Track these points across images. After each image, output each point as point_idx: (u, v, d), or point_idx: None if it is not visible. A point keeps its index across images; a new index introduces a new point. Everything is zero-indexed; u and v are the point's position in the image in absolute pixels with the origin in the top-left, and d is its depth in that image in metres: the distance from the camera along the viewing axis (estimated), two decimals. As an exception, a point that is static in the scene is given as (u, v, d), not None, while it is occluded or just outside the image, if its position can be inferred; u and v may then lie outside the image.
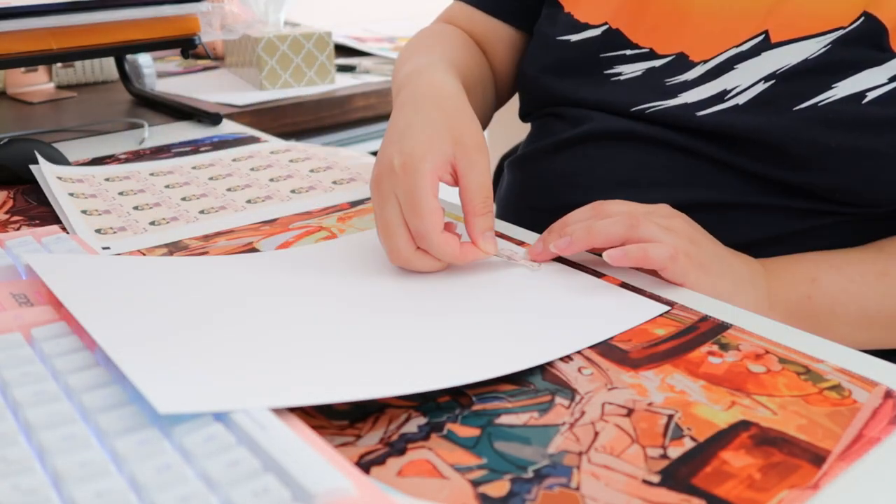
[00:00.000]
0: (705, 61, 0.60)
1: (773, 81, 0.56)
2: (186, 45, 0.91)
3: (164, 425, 0.32)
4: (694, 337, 0.44)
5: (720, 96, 0.59)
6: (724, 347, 0.43)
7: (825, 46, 0.55)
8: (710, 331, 0.45)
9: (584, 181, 0.64)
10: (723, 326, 0.45)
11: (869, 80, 0.53)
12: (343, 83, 1.20)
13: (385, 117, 1.26)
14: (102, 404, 0.33)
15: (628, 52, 0.64)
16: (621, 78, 0.64)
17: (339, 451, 0.35)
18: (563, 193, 0.65)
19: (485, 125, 0.76)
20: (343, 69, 1.28)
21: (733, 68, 0.59)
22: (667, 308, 0.47)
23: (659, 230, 0.50)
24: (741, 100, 0.57)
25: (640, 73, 0.63)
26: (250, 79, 1.20)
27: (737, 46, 0.59)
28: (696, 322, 0.46)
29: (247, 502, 0.28)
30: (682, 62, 0.62)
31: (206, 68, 1.34)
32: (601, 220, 0.51)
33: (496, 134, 1.03)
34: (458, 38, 0.75)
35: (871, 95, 0.53)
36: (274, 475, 0.29)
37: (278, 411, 0.34)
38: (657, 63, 0.63)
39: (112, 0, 0.84)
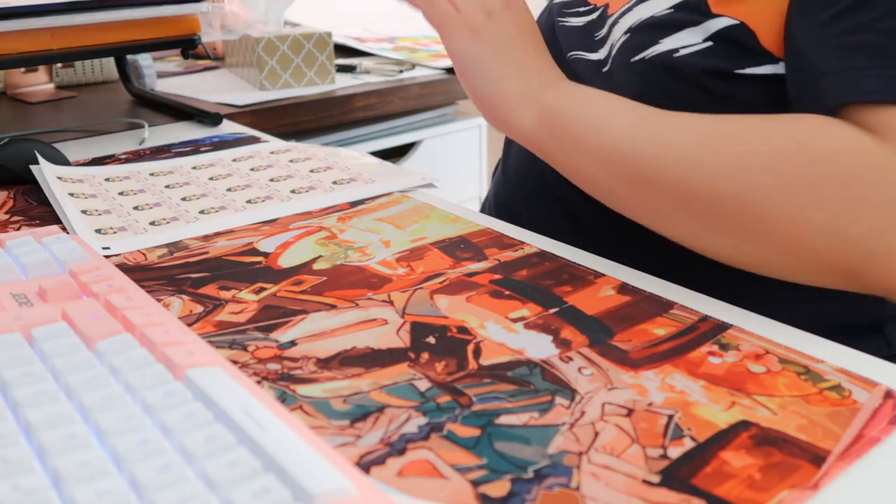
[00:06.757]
0: (613, 15, 0.64)
1: (628, 35, 0.61)
2: (187, 46, 0.91)
3: (164, 425, 0.32)
4: (694, 337, 0.44)
5: (610, 49, 0.63)
6: (724, 347, 0.43)
7: (670, 8, 0.59)
8: (710, 331, 0.45)
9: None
10: (723, 326, 0.45)
11: (687, 39, 0.57)
12: (343, 83, 1.20)
13: (385, 117, 1.26)
14: (102, 404, 0.33)
15: (582, 8, 0.69)
16: (566, 24, 0.69)
17: (339, 451, 0.35)
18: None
19: None
20: (343, 69, 1.28)
21: (618, 22, 0.63)
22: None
23: None
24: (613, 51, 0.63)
25: (581, 24, 0.68)
26: (250, 79, 1.20)
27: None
28: (696, 322, 0.46)
29: (247, 502, 0.28)
30: (603, 16, 0.66)
31: (206, 68, 1.34)
32: None
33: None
34: None
35: (683, 52, 0.57)
36: (274, 475, 0.29)
37: (278, 411, 0.33)
38: (593, 16, 0.67)
39: (112, 0, 0.85)
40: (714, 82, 0.56)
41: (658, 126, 0.50)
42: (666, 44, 0.58)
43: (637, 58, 0.59)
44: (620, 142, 0.50)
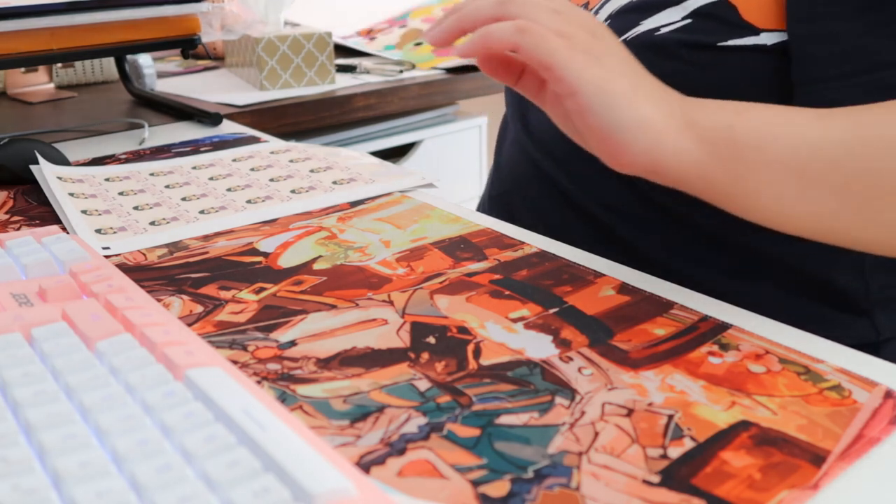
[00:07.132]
0: (593, 8, 0.65)
1: (608, 22, 0.61)
2: (187, 46, 0.91)
3: (164, 425, 0.32)
4: (694, 337, 0.44)
5: None
6: (724, 347, 0.43)
7: None
8: (710, 331, 0.45)
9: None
10: (723, 326, 0.45)
11: (667, 18, 0.58)
12: (343, 83, 1.20)
13: (385, 117, 1.26)
14: (102, 404, 0.33)
15: None
16: None
17: (339, 451, 0.35)
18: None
19: None
20: (343, 69, 1.28)
21: (598, 13, 0.64)
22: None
23: (535, 9, 0.44)
24: None
25: None
26: (250, 79, 1.20)
27: None
28: (696, 322, 0.46)
29: (247, 502, 0.28)
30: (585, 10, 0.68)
31: (206, 68, 1.34)
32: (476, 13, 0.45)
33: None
34: None
35: (664, 30, 0.58)
36: (274, 475, 0.29)
37: (278, 411, 0.33)
38: None
39: (112, 0, 0.85)
40: (698, 55, 0.56)
41: (856, 122, 0.44)
42: (647, 24, 0.58)
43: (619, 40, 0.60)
44: (828, 146, 0.44)
